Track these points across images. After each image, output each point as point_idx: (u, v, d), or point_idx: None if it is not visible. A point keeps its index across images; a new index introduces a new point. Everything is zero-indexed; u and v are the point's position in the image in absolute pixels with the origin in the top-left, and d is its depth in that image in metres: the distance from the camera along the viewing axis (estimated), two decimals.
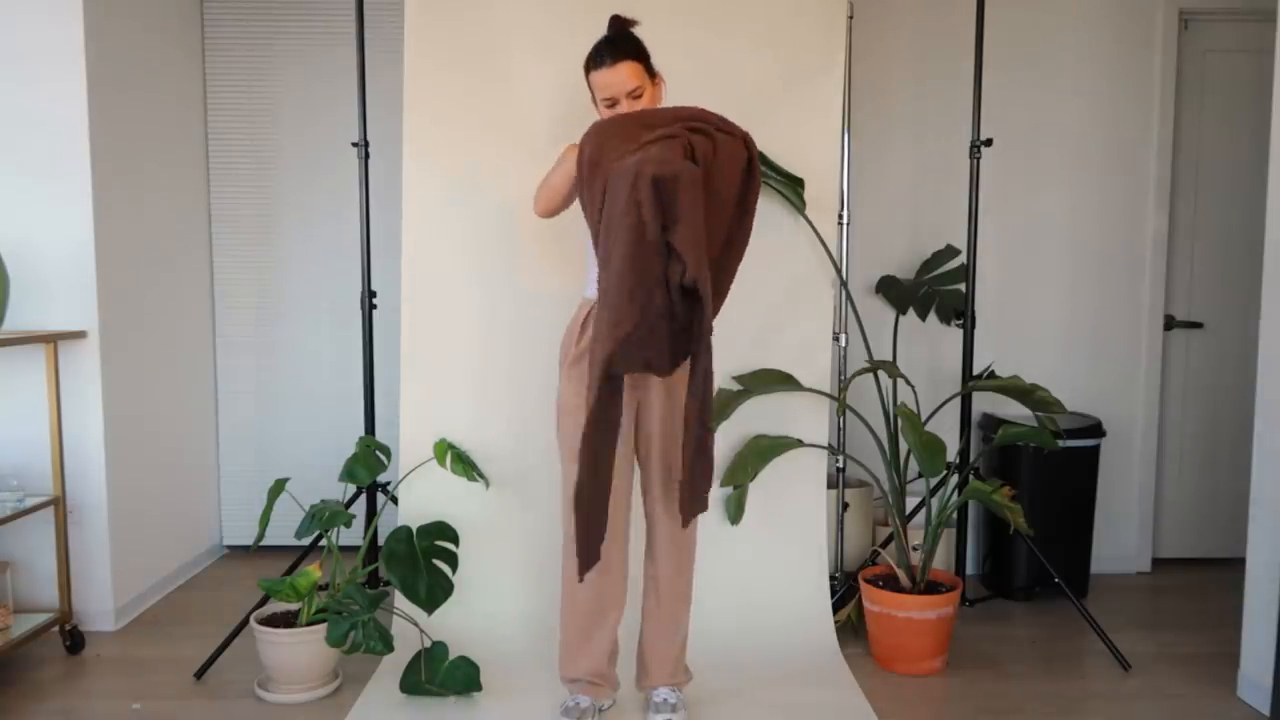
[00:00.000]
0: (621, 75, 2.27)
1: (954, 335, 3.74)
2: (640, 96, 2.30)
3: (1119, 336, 3.82)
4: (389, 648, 2.55)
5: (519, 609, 2.99)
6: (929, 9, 3.72)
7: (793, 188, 2.97)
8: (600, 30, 2.37)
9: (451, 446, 2.91)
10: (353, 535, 3.82)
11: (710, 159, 2.14)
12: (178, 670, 2.85)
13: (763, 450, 2.95)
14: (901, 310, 3.57)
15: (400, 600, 2.91)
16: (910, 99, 3.75)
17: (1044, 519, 3.46)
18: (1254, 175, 3.82)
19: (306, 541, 2.89)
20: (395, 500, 3.05)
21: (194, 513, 3.80)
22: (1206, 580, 3.75)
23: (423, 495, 2.99)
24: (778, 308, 3.05)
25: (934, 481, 3.15)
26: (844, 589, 3.16)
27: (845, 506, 3.40)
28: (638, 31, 2.35)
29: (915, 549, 3.18)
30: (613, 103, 2.30)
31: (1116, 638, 3.08)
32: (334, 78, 3.85)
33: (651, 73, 2.35)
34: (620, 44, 2.29)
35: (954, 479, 3.18)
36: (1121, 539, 3.87)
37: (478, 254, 3.00)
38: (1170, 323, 3.86)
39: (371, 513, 3.17)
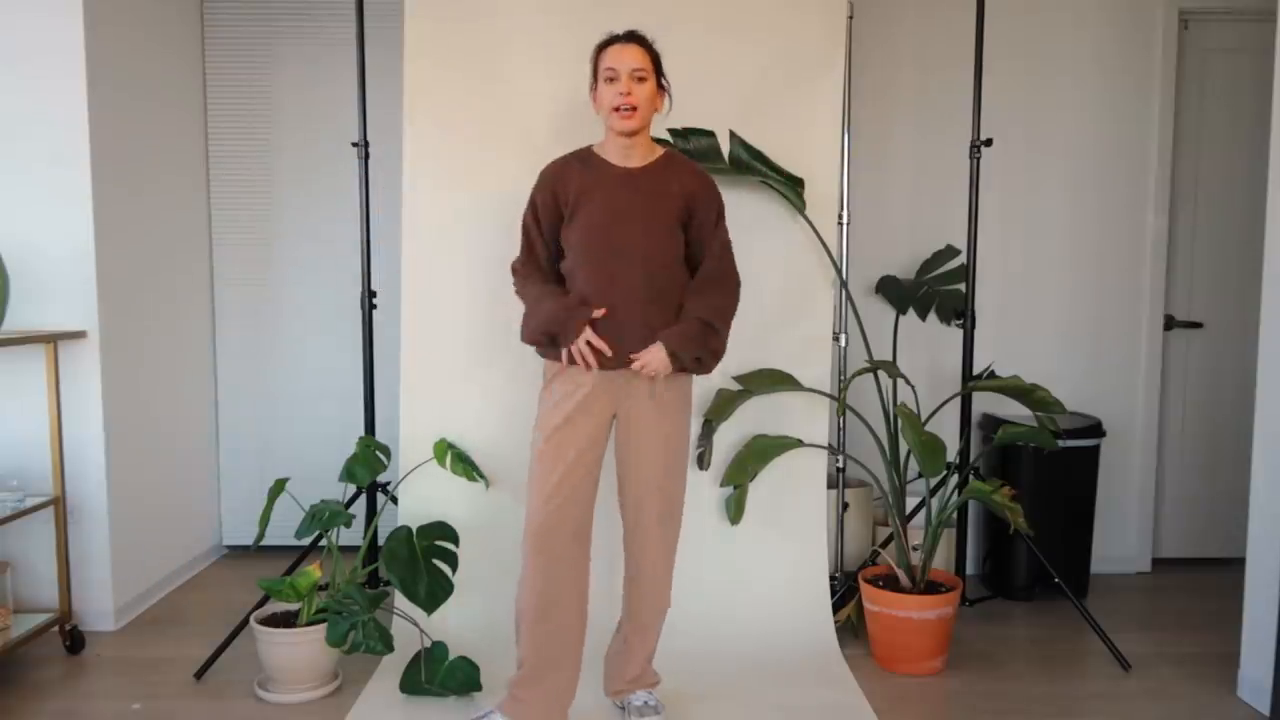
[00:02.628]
0: (631, 52, 2.28)
1: (954, 335, 3.74)
2: (644, 80, 2.28)
3: (1119, 336, 3.82)
4: (389, 648, 2.55)
5: None
6: (929, 9, 3.73)
7: (793, 188, 2.97)
8: (602, 29, 2.38)
9: (451, 446, 2.91)
10: (353, 535, 3.82)
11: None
12: (178, 670, 2.85)
13: (763, 450, 2.95)
14: (901, 310, 3.57)
15: (400, 600, 2.91)
16: (910, 99, 3.75)
17: (1044, 519, 3.46)
18: (1254, 175, 3.82)
19: (306, 541, 2.90)
20: (395, 500, 3.05)
21: (194, 513, 3.80)
22: (1206, 580, 3.75)
23: (423, 495, 2.99)
24: (778, 308, 3.05)
25: (934, 481, 3.15)
26: (844, 589, 3.16)
27: (845, 506, 3.40)
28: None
29: (915, 549, 3.18)
30: (614, 77, 2.27)
31: (1116, 638, 3.08)
32: (334, 78, 3.85)
33: (659, 74, 2.34)
34: (640, 35, 2.33)
35: (954, 479, 3.18)
36: (1121, 539, 3.87)
37: (478, 254, 3.00)
38: (1170, 323, 3.86)
39: (371, 513, 3.17)
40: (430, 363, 3.01)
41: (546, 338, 2.34)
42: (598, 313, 2.28)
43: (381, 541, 2.86)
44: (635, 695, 2.49)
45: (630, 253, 2.29)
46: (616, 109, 2.27)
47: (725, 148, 2.95)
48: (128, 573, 3.26)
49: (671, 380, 2.37)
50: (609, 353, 2.28)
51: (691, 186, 2.37)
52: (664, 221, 2.33)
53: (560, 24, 2.96)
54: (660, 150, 2.41)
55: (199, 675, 2.80)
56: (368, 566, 2.93)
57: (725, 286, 2.40)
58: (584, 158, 2.39)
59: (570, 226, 2.35)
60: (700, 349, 2.32)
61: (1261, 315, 2.66)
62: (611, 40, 2.32)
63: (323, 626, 2.59)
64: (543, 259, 2.42)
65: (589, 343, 2.27)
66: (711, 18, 3.00)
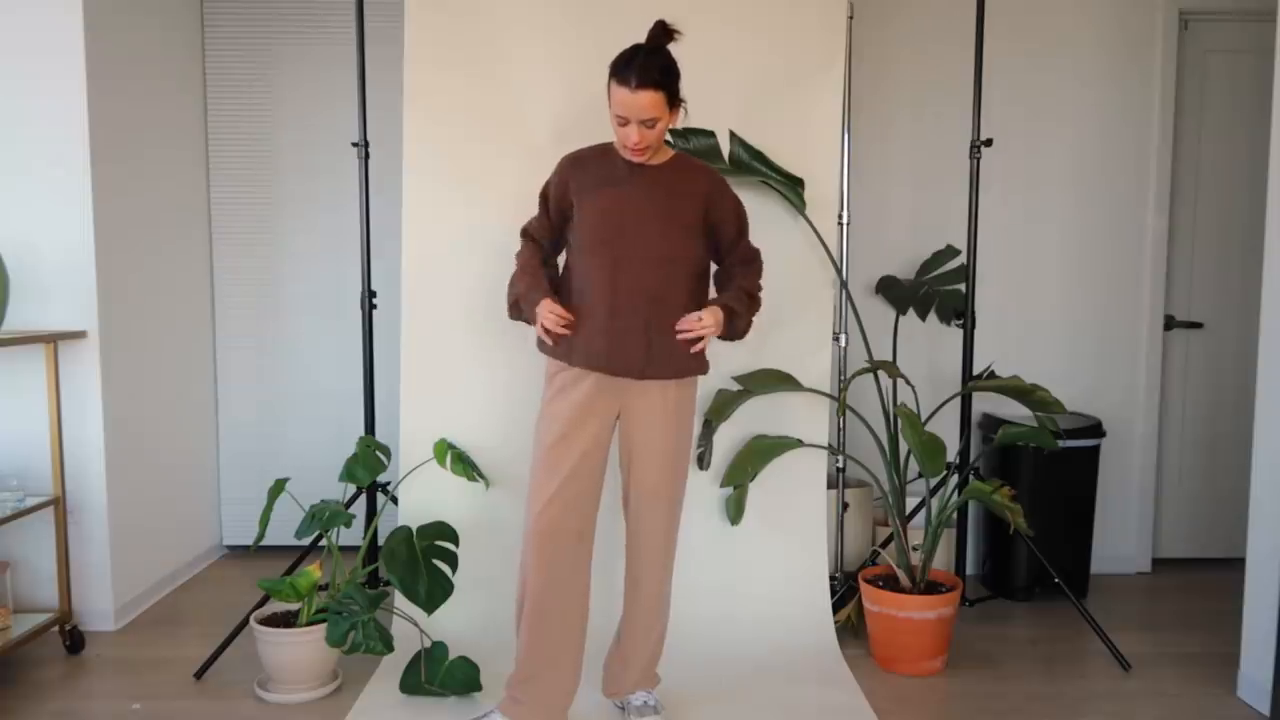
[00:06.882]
0: (641, 102, 2.19)
1: (954, 335, 3.74)
2: (654, 126, 2.23)
3: (1119, 336, 3.82)
4: (389, 648, 2.55)
5: None
6: (929, 9, 3.72)
7: (793, 188, 2.97)
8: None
9: (451, 446, 2.91)
10: (353, 535, 3.82)
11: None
12: (178, 670, 2.85)
13: (763, 450, 2.95)
14: (901, 310, 3.57)
15: (400, 600, 2.91)
16: (910, 99, 3.75)
17: (1044, 519, 3.46)
18: (1254, 175, 3.82)
19: (306, 541, 2.90)
20: (395, 500, 3.05)
21: (194, 513, 3.80)
22: (1206, 580, 3.76)
23: (423, 495, 2.99)
24: (778, 308, 3.05)
25: (934, 481, 3.15)
26: (844, 589, 3.16)
27: (845, 506, 3.40)
28: (677, 43, 2.26)
29: (915, 549, 3.18)
30: (624, 122, 2.24)
31: (1116, 638, 3.08)
32: (334, 78, 3.85)
33: (674, 101, 2.25)
34: (650, 70, 2.17)
35: (954, 479, 3.18)
36: (1121, 539, 3.87)
37: (478, 254, 3.00)
38: (1170, 323, 3.86)
39: (371, 513, 3.17)
40: (430, 363, 3.01)
41: (515, 310, 2.46)
42: (563, 314, 2.31)
43: (381, 541, 2.86)
44: (635, 695, 2.49)
45: (638, 245, 2.29)
46: (627, 146, 2.28)
47: (725, 148, 2.95)
48: (128, 573, 3.26)
49: (681, 384, 2.37)
50: (568, 318, 2.31)
51: (706, 187, 2.38)
52: (679, 220, 2.33)
53: (561, 25, 2.96)
54: (671, 151, 2.41)
55: (199, 675, 2.80)
56: (368, 566, 2.93)
57: (755, 265, 2.50)
58: (604, 151, 2.40)
59: (580, 215, 2.35)
60: (747, 314, 2.41)
61: (1261, 315, 2.66)
62: (623, 78, 2.19)
63: (323, 626, 2.59)
64: (545, 232, 2.48)
65: (552, 312, 2.30)
66: (712, 18, 3.00)
